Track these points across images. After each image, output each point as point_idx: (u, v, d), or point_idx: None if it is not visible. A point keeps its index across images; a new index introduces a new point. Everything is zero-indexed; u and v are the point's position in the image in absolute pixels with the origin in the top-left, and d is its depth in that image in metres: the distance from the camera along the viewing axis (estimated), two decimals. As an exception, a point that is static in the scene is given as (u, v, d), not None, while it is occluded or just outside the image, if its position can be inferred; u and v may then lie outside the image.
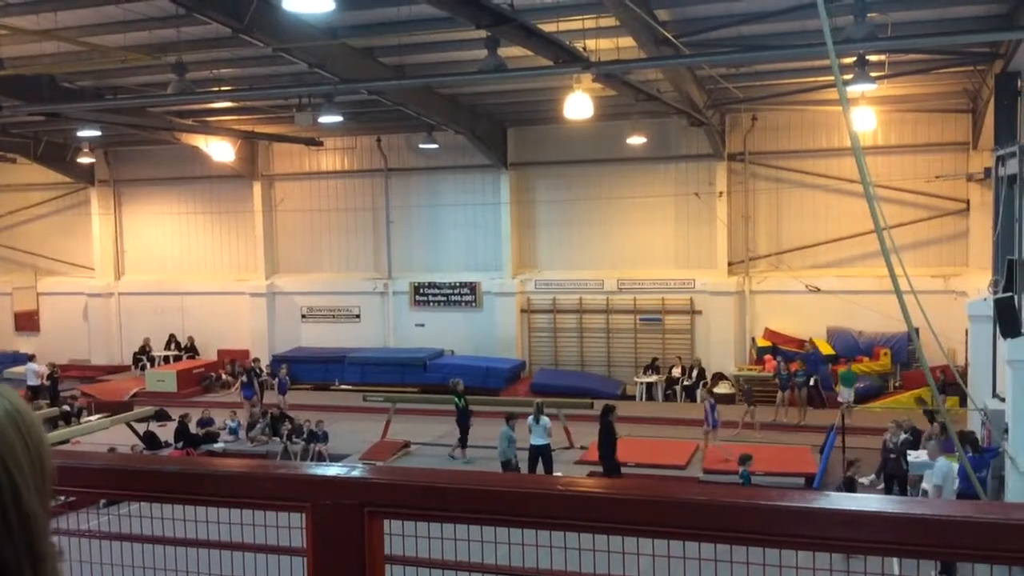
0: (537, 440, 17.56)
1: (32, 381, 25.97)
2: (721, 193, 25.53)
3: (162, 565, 2.69)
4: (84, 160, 28.63)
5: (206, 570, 2.57)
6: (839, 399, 20.82)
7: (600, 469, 16.89)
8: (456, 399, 19.96)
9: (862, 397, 22.10)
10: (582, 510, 1.85)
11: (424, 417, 22.14)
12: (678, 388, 25.04)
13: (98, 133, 24.41)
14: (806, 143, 25.02)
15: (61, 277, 32.09)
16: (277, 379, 24.50)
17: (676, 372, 25.33)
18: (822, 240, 24.99)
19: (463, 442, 19.64)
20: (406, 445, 20.47)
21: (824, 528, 1.85)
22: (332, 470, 2.05)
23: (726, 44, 17.39)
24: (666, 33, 15.25)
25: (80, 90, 21.21)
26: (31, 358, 28.25)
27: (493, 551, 2.20)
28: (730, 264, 25.73)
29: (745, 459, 16.22)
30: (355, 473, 1.99)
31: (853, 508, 1.87)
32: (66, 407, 22.87)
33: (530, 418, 17.81)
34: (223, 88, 20.67)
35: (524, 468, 17.27)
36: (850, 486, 14.76)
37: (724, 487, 2.17)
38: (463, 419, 19.72)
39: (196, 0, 13.90)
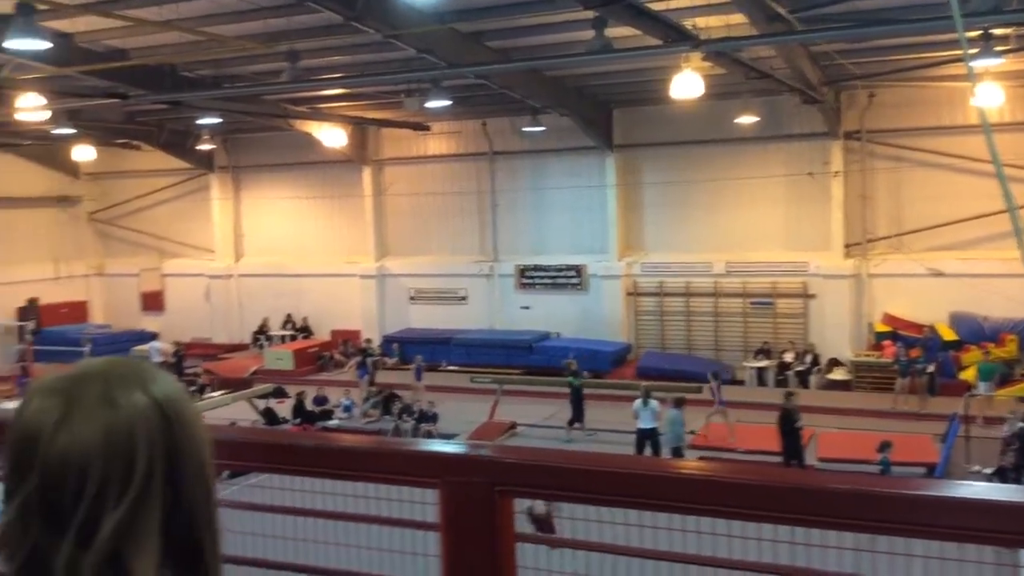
0: (645, 423, 17.53)
1: (155, 358, 27.14)
2: (836, 173, 24.70)
3: (297, 535, 2.79)
4: (204, 147, 29.75)
5: (344, 540, 2.66)
6: (974, 392, 19.82)
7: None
8: (571, 378, 20.09)
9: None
10: (714, 495, 1.83)
11: (530, 399, 22.31)
12: (790, 374, 24.44)
13: (218, 120, 25.32)
14: (927, 120, 23.92)
15: (184, 259, 33.46)
16: (415, 365, 24.41)
17: (788, 357, 24.73)
18: (944, 221, 23.88)
19: (575, 421, 19.78)
20: (513, 426, 20.68)
21: (963, 518, 1.79)
22: (462, 448, 2.09)
23: (842, 19, 16.76)
24: (778, 8, 14.82)
25: (199, 79, 22.01)
26: (155, 336, 29.59)
27: (623, 532, 2.21)
28: (847, 246, 24.90)
29: (885, 446, 15.10)
30: (485, 452, 2.03)
31: (996, 499, 1.81)
32: (190, 383, 23.89)
33: (637, 401, 17.80)
34: (334, 75, 21.13)
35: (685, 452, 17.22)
36: (1002, 476, 14.17)
37: (842, 475, 2.13)
38: (576, 398, 19.83)
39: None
